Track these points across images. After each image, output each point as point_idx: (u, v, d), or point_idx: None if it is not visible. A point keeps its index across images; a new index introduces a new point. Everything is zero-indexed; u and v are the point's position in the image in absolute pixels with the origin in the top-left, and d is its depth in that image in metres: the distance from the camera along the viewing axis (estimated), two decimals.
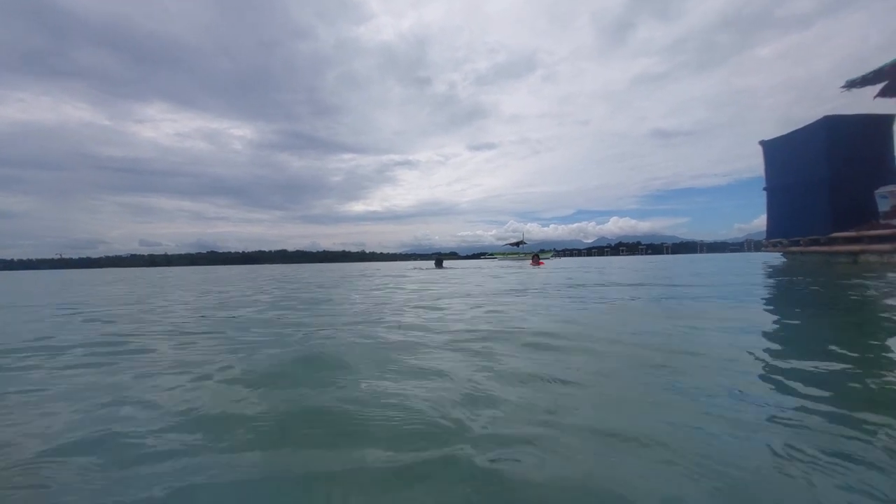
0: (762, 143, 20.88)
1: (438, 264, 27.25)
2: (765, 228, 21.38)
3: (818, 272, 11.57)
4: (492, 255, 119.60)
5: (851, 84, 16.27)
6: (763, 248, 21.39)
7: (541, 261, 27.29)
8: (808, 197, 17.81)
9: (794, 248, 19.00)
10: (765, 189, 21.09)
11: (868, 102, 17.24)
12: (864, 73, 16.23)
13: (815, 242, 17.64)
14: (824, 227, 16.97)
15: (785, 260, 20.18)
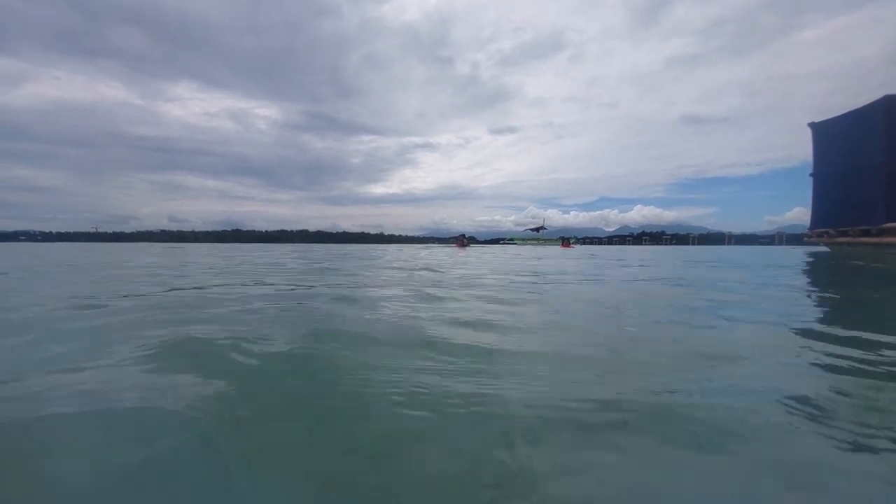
0: (812, 125, 19.61)
1: (462, 246, 27.02)
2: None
3: None
4: (511, 240, 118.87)
5: None
6: (806, 239, 20.36)
7: (570, 244, 27.01)
8: (861, 184, 16.69)
9: (841, 239, 17.95)
10: (811, 175, 19.92)
11: None
12: None
13: (866, 233, 16.58)
14: (877, 216, 15.92)
15: (829, 251, 19.15)
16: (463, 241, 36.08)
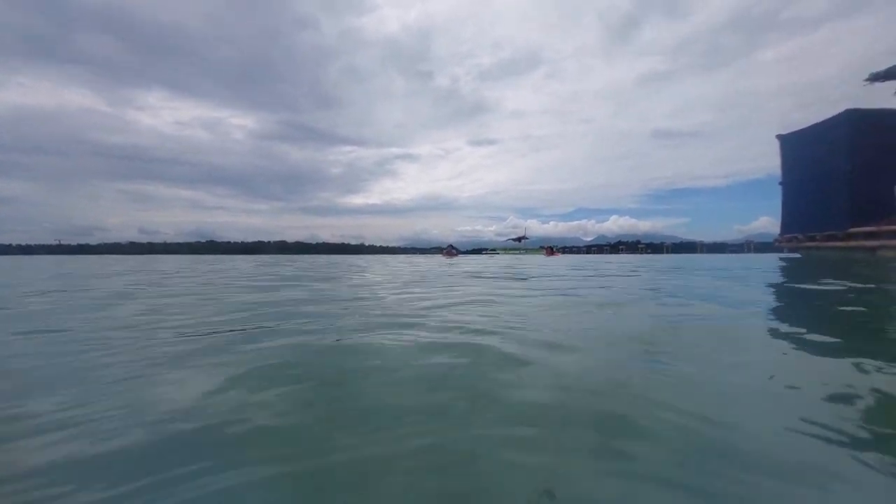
0: (779, 136, 20.73)
1: (449, 254, 27.16)
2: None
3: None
4: (494, 250, 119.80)
5: (875, 77, 16.07)
6: (776, 243, 21.31)
7: (556, 252, 27.46)
8: (826, 191, 17.67)
9: (809, 244, 18.88)
10: (780, 184, 20.97)
11: (879, 102, 16.97)
12: (888, 67, 16.02)
13: (833, 238, 17.50)
14: (842, 221, 16.84)
15: (799, 256, 20.09)
16: (451, 251, 36.57)
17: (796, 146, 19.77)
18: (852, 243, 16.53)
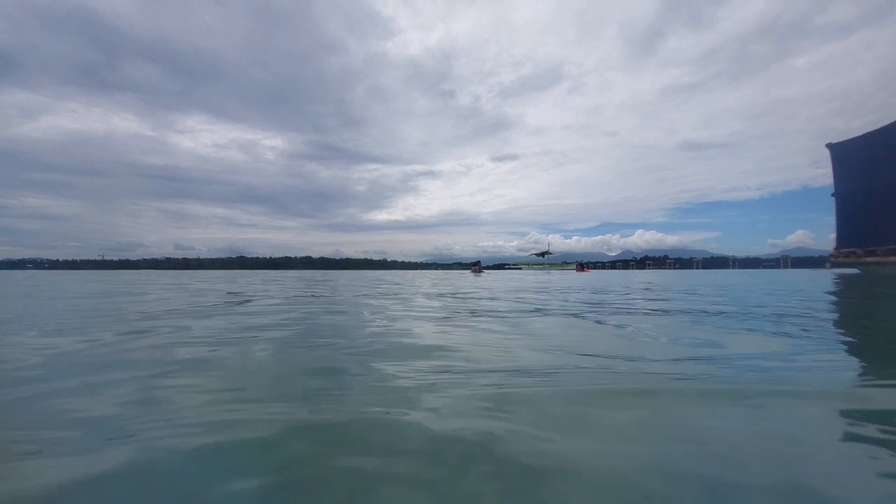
0: (830, 146, 19.71)
1: (477, 272, 27.07)
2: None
3: None
4: (516, 265, 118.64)
5: None
6: (832, 259, 20.06)
7: (586, 268, 26.99)
8: (887, 202, 16.61)
9: (868, 259, 17.68)
10: (833, 195, 19.87)
11: None
12: None
13: (894, 252, 16.38)
14: None
15: (857, 272, 18.83)
16: (478, 268, 36.45)
17: (849, 155, 18.72)
18: None
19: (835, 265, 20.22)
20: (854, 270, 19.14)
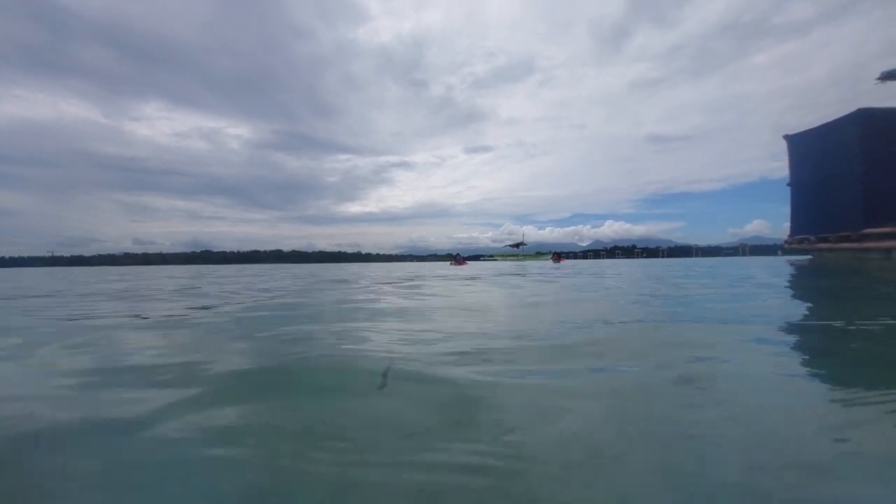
0: (787, 137, 20.57)
1: (458, 263, 26.74)
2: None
3: None
4: (491, 256, 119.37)
5: (888, 76, 15.94)
6: (786, 246, 21.04)
7: (562, 258, 27.40)
8: (839, 192, 17.44)
9: (821, 245, 18.62)
10: (789, 185, 20.79)
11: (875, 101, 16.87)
12: None
13: (846, 239, 17.24)
14: (856, 222, 16.59)
15: (810, 258, 19.83)
16: (459, 259, 35.71)
17: (804, 146, 19.61)
18: (867, 244, 16.26)
19: (787, 252, 21.21)
20: (807, 256, 20.11)
